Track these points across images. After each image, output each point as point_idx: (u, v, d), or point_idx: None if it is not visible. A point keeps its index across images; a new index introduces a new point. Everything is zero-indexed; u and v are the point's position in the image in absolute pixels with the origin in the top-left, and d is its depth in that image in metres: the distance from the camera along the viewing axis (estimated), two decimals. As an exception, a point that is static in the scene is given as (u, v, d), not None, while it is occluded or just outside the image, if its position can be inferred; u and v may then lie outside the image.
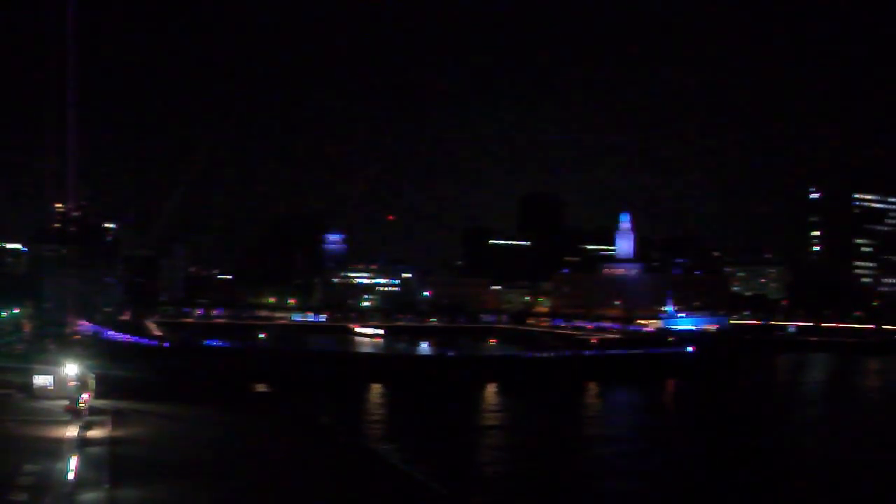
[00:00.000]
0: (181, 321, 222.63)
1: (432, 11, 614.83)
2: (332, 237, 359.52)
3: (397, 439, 64.59)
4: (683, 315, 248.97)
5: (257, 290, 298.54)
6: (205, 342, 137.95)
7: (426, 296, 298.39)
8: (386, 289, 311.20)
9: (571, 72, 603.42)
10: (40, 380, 62.88)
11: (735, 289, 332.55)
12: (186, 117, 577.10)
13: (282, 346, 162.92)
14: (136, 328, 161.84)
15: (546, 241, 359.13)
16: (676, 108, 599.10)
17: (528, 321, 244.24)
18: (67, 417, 53.31)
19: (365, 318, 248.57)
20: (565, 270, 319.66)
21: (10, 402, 59.92)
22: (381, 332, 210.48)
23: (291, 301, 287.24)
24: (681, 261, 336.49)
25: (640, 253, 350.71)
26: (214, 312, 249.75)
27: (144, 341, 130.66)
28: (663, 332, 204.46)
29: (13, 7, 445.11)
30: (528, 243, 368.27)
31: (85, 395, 59.11)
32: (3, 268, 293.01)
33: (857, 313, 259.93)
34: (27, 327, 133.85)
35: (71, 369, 63.51)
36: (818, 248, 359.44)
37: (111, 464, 41.10)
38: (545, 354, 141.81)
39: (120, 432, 50.90)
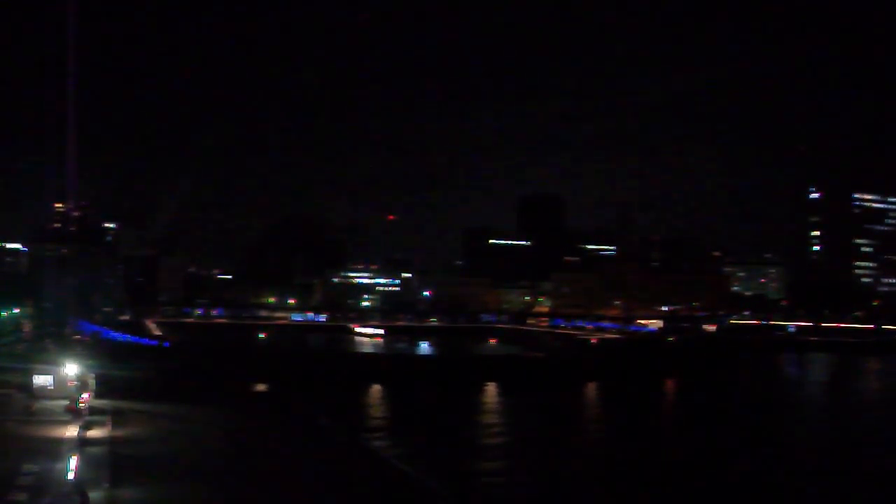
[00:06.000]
0: (181, 321, 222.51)
1: (433, 11, 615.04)
2: (332, 237, 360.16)
3: (396, 439, 64.58)
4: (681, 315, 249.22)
5: (257, 290, 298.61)
6: (204, 342, 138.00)
7: (426, 296, 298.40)
8: (386, 289, 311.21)
9: (572, 72, 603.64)
10: (40, 380, 62.84)
11: (735, 289, 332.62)
12: (187, 117, 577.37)
13: (282, 346, 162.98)
14: (136, 328, 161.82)
15: (546, 241, 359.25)
16: (677, 107, 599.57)
17: (528, 321, 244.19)
18: (67, 417, 53.30)
19: (365, 318, 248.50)
20: (565, 271, 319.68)
21: (9, 402, 59.93)
22: (381, 332, 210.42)
23: (291, 301, 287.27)
24: (681, 261, 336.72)
25: (640, 253, 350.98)
26: (214, 312, 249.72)
27: (144, 341, 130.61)
28: (663, 332, 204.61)
29: (13, 7, 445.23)
30: (528, 243, 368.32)
31: (85, 395, 59.10)
32: (3, 268, 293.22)
33: (857, 313, 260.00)
34: (27, 327, 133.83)
35: (71, 369, 63.48)
36: (818, 248, 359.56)
37: (111, 464, 41.11)
38: (545, 354, 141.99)
39: (120, 432, 50.90)
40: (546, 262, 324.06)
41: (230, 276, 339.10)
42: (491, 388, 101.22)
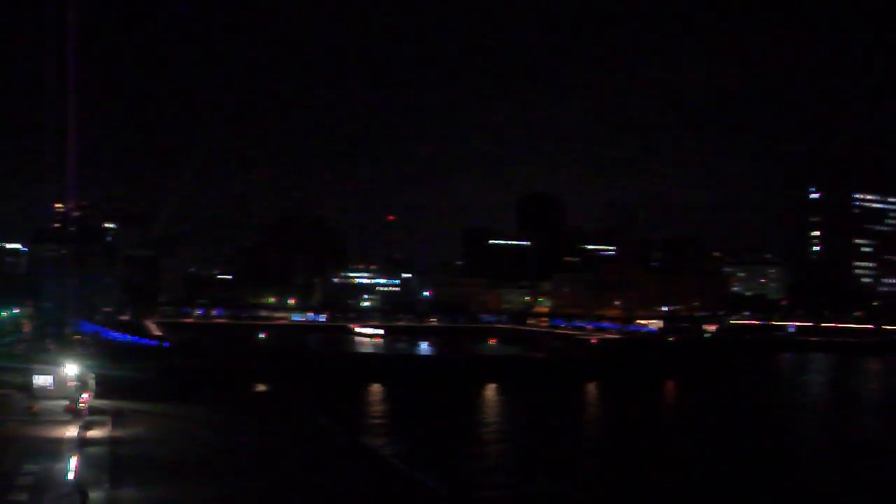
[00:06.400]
0: (181, 321, 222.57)
1: (433, 11, 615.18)
2: (332, 237, 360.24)
3: (396, 439, 64.59)
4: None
5: (257, 290, 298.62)
6: (204, 342, 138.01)
7: (426, 296, 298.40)
8: (386, 289, 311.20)
9: (572, 71, 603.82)
10: (40, 380, 62.80)
11: (735, 289, 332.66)
12: (187, 116, 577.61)
13: (282, 346, 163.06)
14: (136, 328, 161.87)
15: (546, 241, 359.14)
16: (677, 107, 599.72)
17: (528, 321, 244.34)
18: (67, 417, 53.30)
19: (365, 318, 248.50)
20: (565, 271, 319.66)
21: (10, 403, 59.92)
22: (381, 332, 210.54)
23: (291, 301, 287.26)
24: (681, 261, 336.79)
25: (640, 253, 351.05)
26: (214, 312, 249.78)
27: (144, 341, 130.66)
28: (663, 332, 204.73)
29: (13, 6, 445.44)
30: (528, 243, 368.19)
31: (85, 395, 59.07)
32: (3, 268, 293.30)
33: (857, 313, 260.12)
34: (27, 327, 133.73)
35: (71, 369, 63.44)
36: (818, 248, 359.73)
37: (111, 464, 41.12)
38: (545, 354, 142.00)
39: (120, 432, 50.89)
40: (546, 262, 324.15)
41: (230, 276, 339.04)
42: (491, 389, 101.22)
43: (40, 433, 48.85)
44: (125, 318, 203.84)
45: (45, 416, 54.01)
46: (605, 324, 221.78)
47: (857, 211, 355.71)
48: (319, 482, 43.03)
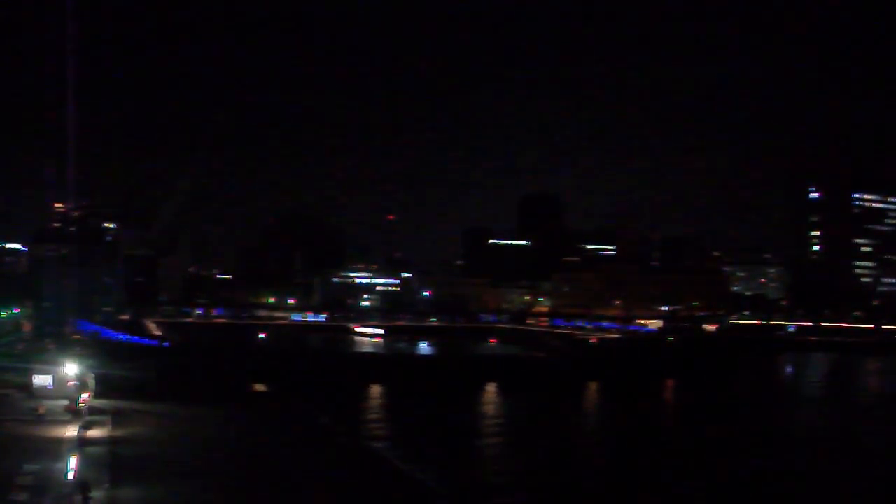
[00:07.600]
0: (181, 321, 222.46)
1: (433, 11, 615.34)
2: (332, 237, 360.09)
3: (396, 439, 64.60)
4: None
5: (257, 290, 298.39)
6: (204, 342, 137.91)
7: (426, 296, 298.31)
8: (386, 289, 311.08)
9: (572, 72, 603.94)
10: (40, 380, 62.87)
11: (735, 289, 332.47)
12: (187, 116, 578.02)
13: (282, 346, 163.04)
14: (135, 328, 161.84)
15: (546, 241, 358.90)
16: (677, 107, 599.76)
17: (528, 321, 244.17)
18: (67, 417, 53.35)
19: (365, 318, 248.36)
20: (565, 271, 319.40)
21: (10, 402, 59.96)
22: (381, 332, 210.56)
23: (291, 301, 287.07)
24: (681, 261, 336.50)
25: (640, 253, 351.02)
26: (214, 312, 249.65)
27: (144, 341, 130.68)
28: (663, 332, 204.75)
29: (13, 6, 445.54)
30: (528, 243, 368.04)
31: (85, 395, 59.14)
32: (3, 268, 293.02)
33: (857, 313, 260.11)
34: (27, 327, 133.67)
35: (71, 369, 63.51)
36: (818, 248, 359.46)
37: (111, 464, 41.16)
38: (545, 354, 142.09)
39: (120, 432, 50.97)
40: (546, 262, 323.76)
41: (230, 276, 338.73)
42: (491, 388, 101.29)
43: (40, 433, 48.91)
44: (125, 318, 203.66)
45: (45, 415, 54.08)
46: (605, 324, 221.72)
47: (857, 211, 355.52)
48: (320, 482, 43.08)
